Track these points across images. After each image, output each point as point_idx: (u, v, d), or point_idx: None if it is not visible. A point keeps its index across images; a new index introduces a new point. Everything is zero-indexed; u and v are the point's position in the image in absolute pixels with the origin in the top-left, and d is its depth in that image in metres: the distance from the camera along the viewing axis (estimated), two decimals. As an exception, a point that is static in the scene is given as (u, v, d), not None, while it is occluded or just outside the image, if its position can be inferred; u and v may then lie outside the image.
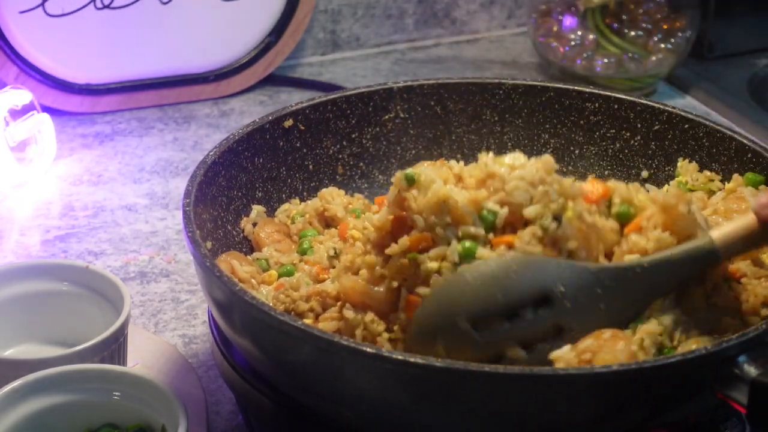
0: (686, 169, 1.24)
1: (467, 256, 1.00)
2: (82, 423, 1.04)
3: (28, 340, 1.18)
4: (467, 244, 1.00)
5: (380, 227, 1.03)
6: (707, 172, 1.24)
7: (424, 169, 1.03)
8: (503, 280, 0.99)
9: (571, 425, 0.95)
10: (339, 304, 1.05)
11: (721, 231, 1.02)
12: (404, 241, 1.01)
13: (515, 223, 1.02)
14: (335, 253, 1.14)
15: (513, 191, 1.02)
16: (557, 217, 1.01)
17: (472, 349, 0.98)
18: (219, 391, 1.20)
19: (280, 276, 1.14)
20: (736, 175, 1.21)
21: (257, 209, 1.21)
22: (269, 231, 1.20)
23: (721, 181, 1.23)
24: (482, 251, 1.00)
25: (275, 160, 1.24)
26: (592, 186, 1.09)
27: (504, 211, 1.02)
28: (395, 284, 1.02)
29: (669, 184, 1.25)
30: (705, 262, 1.02)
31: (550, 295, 0.99)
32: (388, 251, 1.02)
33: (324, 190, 1.25)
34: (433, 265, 1.00)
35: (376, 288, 1.03)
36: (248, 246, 1.20)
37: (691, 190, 1.22)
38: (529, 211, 1.01)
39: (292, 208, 1.24)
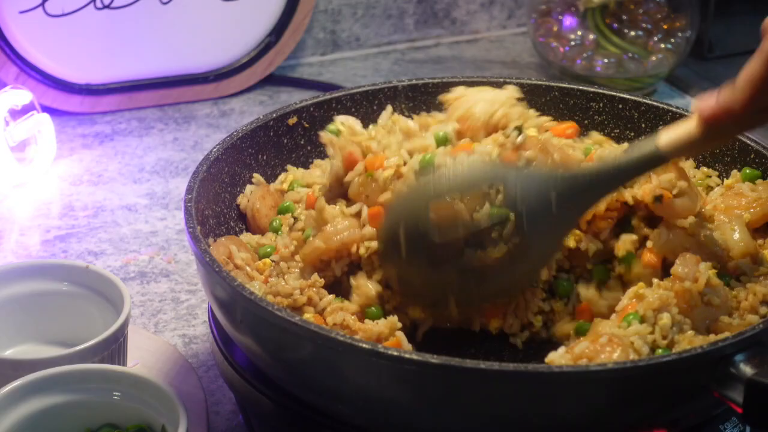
0: (684, 167, 1.24)
1: (427, 163, 1.06)
2: (82, 423, 1.04)
3: (28, 340, 1.18)
4: (428, 156, 1.07)
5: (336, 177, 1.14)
6: (704, 169, 1.24)
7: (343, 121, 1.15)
8: (462, 181, 1.04)
9: (567, 423, 0.95)
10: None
11: (667, 136, 1.03)
12: (359, 165, 1.10)
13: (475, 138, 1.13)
14: (294, 221, 1.16)
15: (474, 109, 1.14)
16: (519, 129, 1.09)
17: (434, 255, 1.03)
18: (219, 391, 1.19)
19: (261, 257, 1.14)
20: (734, 171, 1.21)
21: (257, 178, 1.21)
22: (266, 210, 1.19)
23: (719, 176, 1.23)
24: (441, 158, 1.07)
25: (279, 157, 1.24)
26: (565, 125, 1.19)
27: (452, 126, 1.13)
28: (361, 206, 1.09)
29: None
30: (653, 165, 1.05)
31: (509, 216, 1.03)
32: (346, 179, 1.10)
33: (318, 160, 1.26)
34: (388, 172, 1.07)
35: (344, 222, 1.09)
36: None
37: None
38: (493, 122, 1.12)
39: (289, 176, 1.24)
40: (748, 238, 1.11)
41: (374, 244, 1.08)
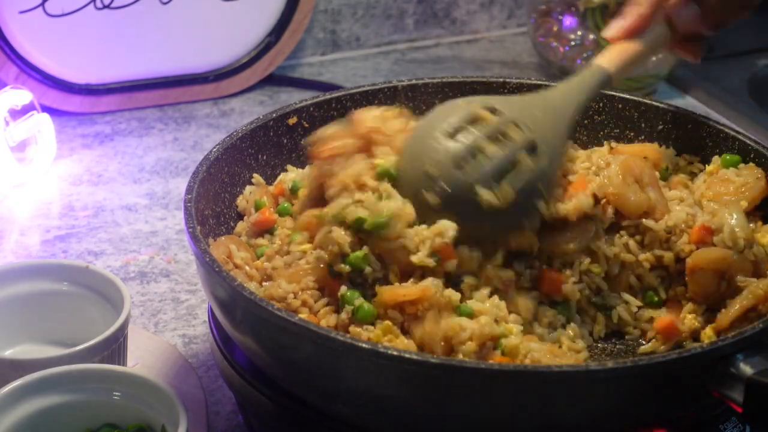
0: (664, 156, 1.25)
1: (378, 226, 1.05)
2: (82, 423, 1.04)
3: (28, 340, 1.18)
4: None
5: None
6: (686, 155, 1.24)
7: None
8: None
9: (567, 423, 0.95)
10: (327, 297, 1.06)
11: (609, 60, 1.19)
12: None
13: None
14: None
15: None
16: None
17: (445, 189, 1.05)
18: (219, 391, 1.19)
19: (258, 257, 1.14)
20: (715, 157, 1.22)
21: (257, 178, 1.21)
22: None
23: (701, 162, 1.23)
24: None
25: (279, 157, 1.24)
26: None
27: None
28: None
29: None
30: (601, 87, 1.18)
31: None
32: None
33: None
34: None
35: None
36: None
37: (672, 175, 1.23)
38: None
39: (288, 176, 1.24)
40: (746, 224, 1.11)
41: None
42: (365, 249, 1.05)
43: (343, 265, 1.05)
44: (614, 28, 1.20)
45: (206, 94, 1.79)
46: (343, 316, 1.04)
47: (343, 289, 1.04)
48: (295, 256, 1.09)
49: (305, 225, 1.11)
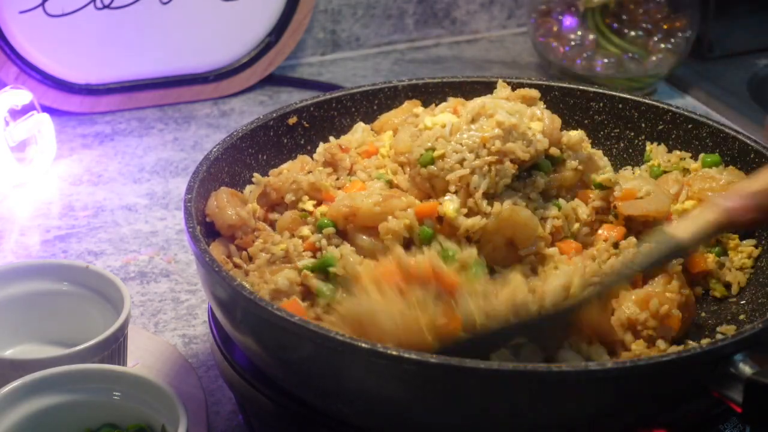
0: (656, 153, 1.25)
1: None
2: (82, 423, 1.04)
3: (28, 340, 1.18)
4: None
5: None
6: (677, 152, 1.25)
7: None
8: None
9: (567, 423, 0.95)
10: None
11: (687, 230, 1.05)
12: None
13: None
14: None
15: None
16: None
17: None
18: (219, 391, 1.19)
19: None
20: (702, 155, 1.23)
21: (257, 178, 1.21)
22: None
23: (692, 158, 1.23)
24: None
25: (279, 156, 1.24)
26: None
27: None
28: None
29: (640, 168, 1.26)
30: (672, 258, 1.08)
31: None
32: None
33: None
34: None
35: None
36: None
37: (665, 171, 1.23)
38: None
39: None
40: None
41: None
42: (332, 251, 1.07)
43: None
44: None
45: (206, 94, 1.79)
46: (319, 310, 1.05)
47: (320, 284, 1.05)
48: (278, 255, 1.09)
49: (287, 225, 1.12)
